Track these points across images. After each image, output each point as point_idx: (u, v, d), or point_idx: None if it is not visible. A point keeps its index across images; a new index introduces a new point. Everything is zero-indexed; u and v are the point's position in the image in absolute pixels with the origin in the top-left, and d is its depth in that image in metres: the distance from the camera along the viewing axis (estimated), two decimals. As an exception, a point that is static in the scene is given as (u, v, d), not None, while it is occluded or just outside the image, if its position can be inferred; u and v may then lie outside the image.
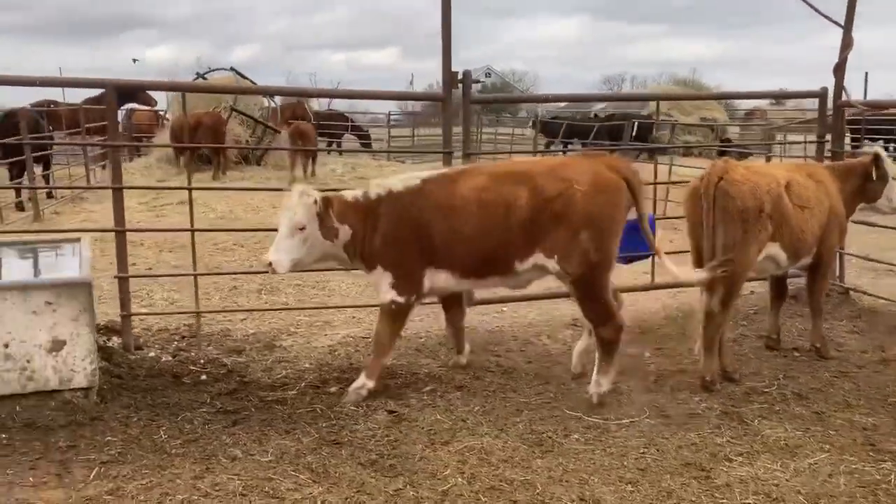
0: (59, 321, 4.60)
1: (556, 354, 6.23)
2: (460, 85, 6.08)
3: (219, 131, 17.71)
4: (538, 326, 6.95)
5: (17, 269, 5.46)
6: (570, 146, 26.24)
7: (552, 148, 26.43)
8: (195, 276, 6.31)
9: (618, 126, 25.24)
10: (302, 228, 5.01)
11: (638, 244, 6.69)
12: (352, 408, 5.04)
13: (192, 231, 6.34)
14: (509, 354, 6.20)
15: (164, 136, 21.20)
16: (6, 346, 4.52)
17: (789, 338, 6.52)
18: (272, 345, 6.31)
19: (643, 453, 4.42)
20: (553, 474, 4.14)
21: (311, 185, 5.91)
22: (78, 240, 6.22)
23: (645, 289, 7.39)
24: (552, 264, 5.07)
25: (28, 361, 4.57)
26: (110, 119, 5.70)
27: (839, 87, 7.08)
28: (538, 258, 5.10)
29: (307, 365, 5.91)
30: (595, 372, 5.17)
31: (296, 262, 5.10)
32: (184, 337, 6.61)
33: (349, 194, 5.30)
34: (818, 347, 6.11)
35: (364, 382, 5.21)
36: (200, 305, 7.53)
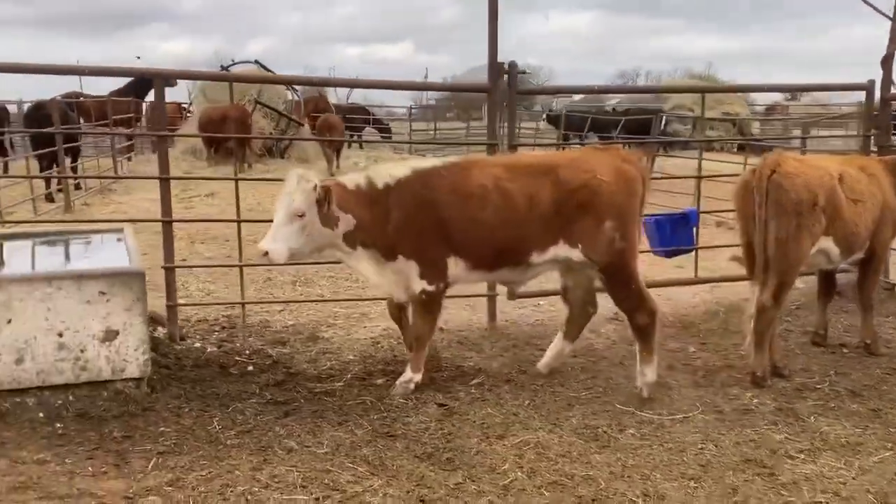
0: (113, 311, 4.59)
1: (600, 349, 6.17)
2: (506, 76, 6.02)
3: (245, 123, 17.70)
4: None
5: (67, 258, 5.46)
6: (586, 139, 26.06)
7: (572, 141, 26.30)
8: (240, 266, 6.28)
9: (643, 120, 25.10)
10: (301, 215, 4.76)
11: (683, 239, 6.67)
12: (401, 400, 5.01)
13: (239, 222, 6.30)
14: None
15: (188, 129, 21.24)
16: (60, 335, 4.52)
17: (835, 334, 6.43)
18: (315, 336, 6.29)
19: (701, 449, 4.37)
20: (613, 470, 4.09)
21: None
22: (121, 230, 6.24)
23: (689, 283, 7.31)
24: (577, 254, 5.07)
25: (82, 351, 4.57)
26: (159, 110, 5.69)
27: (888, 80, 6.96)
28: (561, 249, 5.08)
29: (351, 357, 5.89)
30: (639, 363, 5.18)
31: (293, 251, 4.83)
32: (224, 328, 6.61)
33: (349, 181, 5.06)
34: (868, 344, 6.02)
35: (411, 376, 5.18)
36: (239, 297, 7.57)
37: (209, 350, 5.84)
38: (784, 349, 6.10)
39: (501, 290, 6.61)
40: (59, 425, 4.44)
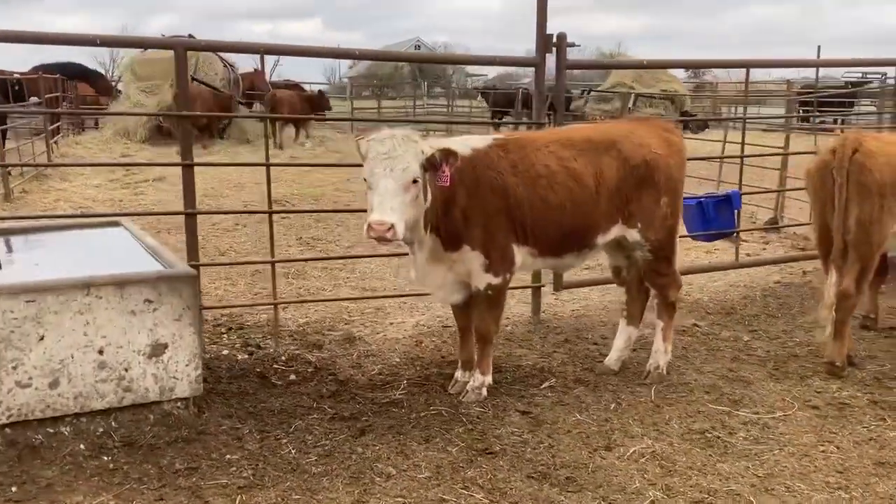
0: (161, 321, 3.94)
1: (649, 340, 5.81)
2: (554, 49, 5.54)
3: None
4: (618, 310, 6.51)
5: (78, 260, 4.72)
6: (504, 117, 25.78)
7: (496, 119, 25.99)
8: (272, 262, 5.62)
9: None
10: (417, 181, 4.07)
11: (725, 221, 6.37)
12: (478, 408, 4.53)
13: (270, 213, 5.64)
14: (606, 342, 5.75)
15: (116, 109, 19.92)
16: (101, 352, 3.84)
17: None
18: (352, 338, 5.71)
19: (824, 452, 4.06)
20: (752, 481, 3.73)
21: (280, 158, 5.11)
22: (118, 223, 5.52)
23: (732, 267, 7.06)
24: (633, 234, 4.83)
25: (126, 370, 3.90)
26: (181, 85, 4.96)
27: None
28: (619, 230, 4.81)
29: (397, 359, 5.36)
30: (660, 342, 5.08)
31: (408, 224, 4.08)
32: (237, 328, 5.97)
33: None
34: (924, 327, 5.87)
35: (483, 380, 4.70)
36: (225, 294, 6.96)
37: (241, 358, 5.21)
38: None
39: (545, 279, 6.19)
40: (106, 458, 3.77)
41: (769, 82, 35.96)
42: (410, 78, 57.08)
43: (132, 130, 18.79)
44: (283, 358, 5.23)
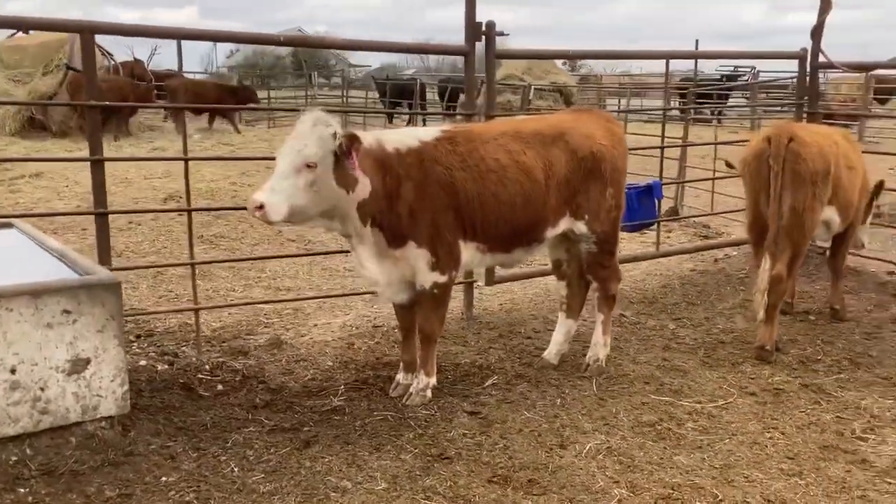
0: (81, 334, 3.54)
1: (584, 333, 5.78)
2: (484, 38, 5.40)
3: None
4: (546, 302, 6.48)
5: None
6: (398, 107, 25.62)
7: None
8: (192, 265, 5.21)
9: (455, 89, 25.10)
10: (312, 166, 3.89)
11: (647, 212, 6.43)
12: (424, 411, 4.35)
13: (190, 211, 5.22)
14: (540, 336, 5.69)
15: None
16: (13, 371, 3.41)
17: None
18: (278, 342, 5.38)
19: (771, 438, 4.12)
20: (712, 473, 3.72)
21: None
22: (10, 225, 5.01)
23: (654, 257, 7.14)
24: (580, 226, 4.79)
25: (42, 389, 3.49)
26: (89, 73, 4.50)
27: (816, 50, 7.08)
28: (567, 223, 4.77)
29: (329, 363, 5.09)
30: (600, 334, 5.04)
31: (295, 210, 3.90)
32: (146, 335, 5.54)
33: (369, 137, 4.17)
34: (837, 310, 6.10)
35: (427, 382, 4.52)
36: (127, 298, 6.49)
37: (161, 369, 4.80)
38: (754, 319, 6.08)
39: (478, 275, 6.05)
40: (23, 490, 3.35)
41: (648, 75, 37.33)
42: (293, 68, 56.01)
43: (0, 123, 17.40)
44: (208, 367, 4.86)
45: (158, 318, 5.93)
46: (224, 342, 5.50)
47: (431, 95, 28.59)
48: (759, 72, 27.19)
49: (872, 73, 14.24)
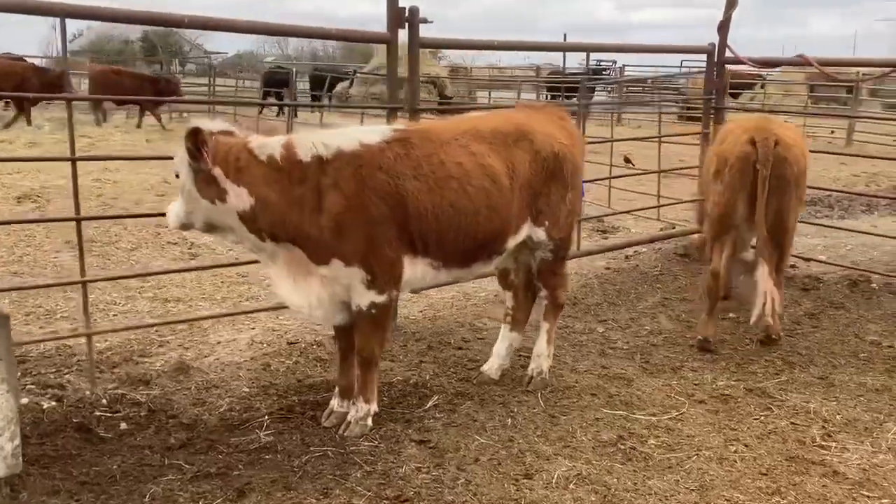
0: (-41, 383, 2.84)
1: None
2: (407, 24, 4.95)
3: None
4: (467, 307, 6.12)
5: None
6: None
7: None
8: (83, 283, 4.46)
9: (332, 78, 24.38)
10: (177, 175, 3.78)
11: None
12: (366, 443, 3.88)
13: (78, 220, 4.45)
14: (470, 346, 5.32)
15: None
16: None
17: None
18: (184, 367, 4.73)
19: (736, 452, 3.93)
20: (689, 497, 3.49)
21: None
22: None
23: (576, 256, 6.91)
24: (540, 233, 4.40)
25: None
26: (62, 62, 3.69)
27: (723, 45, 7.08)
28: (527, 229, 4.36)
29: (245, 389, 4.52)
30: (543, 345, 4.70)
31: (181, 220, 3.85)
32: (18, 363, 4.74)
33: (258, 144, 3.74)
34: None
35: (367, 409, 4.04)
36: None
37: (46, 407, 4.08)
38: (678, 318, 5.99)
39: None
40: None
41: (517, 68, 37.86)
42: (143, 54, 53.26)
43: None
44: (105, 401, 4.18)
45: (34, 347, 5.13)
46: (115, 367, 4.80)
47: (302, 85, 27.66)
48: (616, 65, 27.98)
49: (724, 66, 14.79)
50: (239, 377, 4.68)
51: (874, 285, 6.69)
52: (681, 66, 31.96)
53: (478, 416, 4.23)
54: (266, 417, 4.13)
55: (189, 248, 8.05)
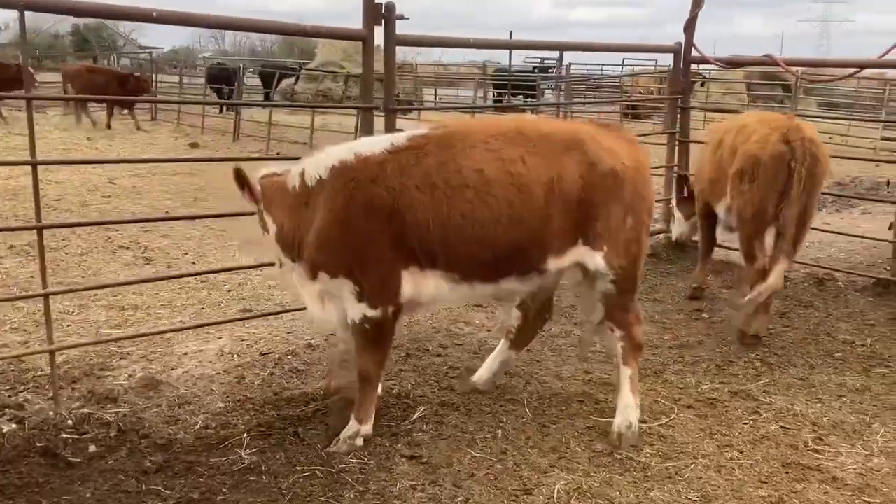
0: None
1: (492, 342, 5.35)
2: (383, 21, 4.77)
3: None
4: (443, 312, 5.94)
5: None
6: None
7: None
8: (46, 295, 4.15)
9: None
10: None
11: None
12: (356, 460, 3.70)
13: (40, 228, 4.15)
14: (448, 352, 5.18)
15: None
16: None
17: (668, 296, 6.50)
18: (153, 382, 4.47)
19: (732, 459, 3.88)
20: (697, 510, 3.40)
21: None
22: None
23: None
24: (598, 260, 3.84)
25: None
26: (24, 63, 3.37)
27: (689, 44, 7.07)
28: (580, 254, 3.86)
29: (220, 405, 4.29)
30: (628, 394, 4.05)
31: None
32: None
33: (280, 170, 3.91)
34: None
35: (357, 429, 3.85)
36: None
37: (6, 430, 3.78)
38: (650, 320, 5.95)
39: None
40: None
41: (461, 65, 37.84)
42: (74, 48, 51.67)
43: None
44: (70, 422, 3.91)
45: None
46: (76, 383, 4.52)
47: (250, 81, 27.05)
48: (570, 64, 28.18)
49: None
50: (212, 391, 4.44)
51: (840, 283, 6.77)
52: (622, 65, 32.58)
53: (467, 428, 4.09)
54: (245, 435, 3.92)
55: (143, 253, 7.71)
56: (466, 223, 3.62)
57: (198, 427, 4.01)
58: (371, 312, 3.70)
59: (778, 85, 28.50)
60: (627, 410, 4.03)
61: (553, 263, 3.85)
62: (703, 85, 28.31)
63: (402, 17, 4.81)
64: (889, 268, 6.84)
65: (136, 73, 19.69)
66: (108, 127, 18.19)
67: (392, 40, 4.83)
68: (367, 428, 3.87)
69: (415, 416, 4.18)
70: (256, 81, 26.76)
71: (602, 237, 3.82)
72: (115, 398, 4.23)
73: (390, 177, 3.59)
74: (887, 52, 6.27)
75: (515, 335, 4.52)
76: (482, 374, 4.56)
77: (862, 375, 4.98)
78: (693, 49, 7.07)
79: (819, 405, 4.52)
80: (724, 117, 7.15)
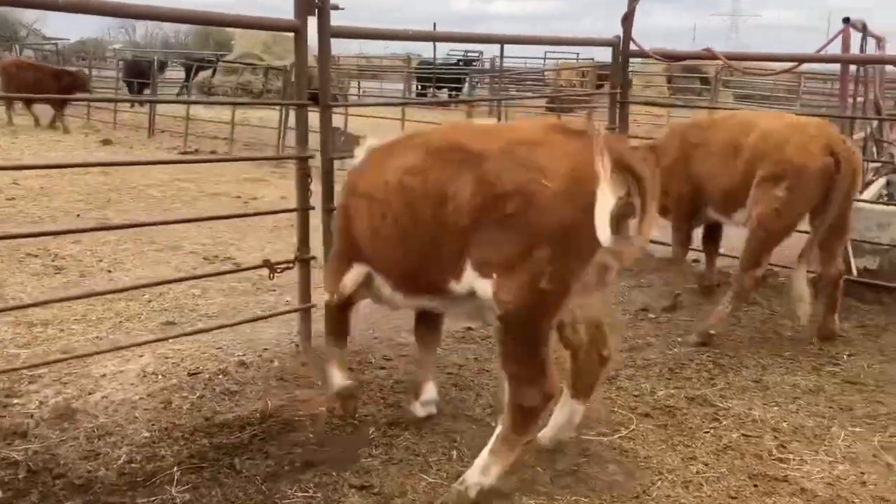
0: None
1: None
2: (317, 11, 4.42)
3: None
4: (383, 320, 5.62)
5: None
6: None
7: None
8: None
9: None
10: None
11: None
12: (299, 493, 3.38)
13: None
14: (392, 364, 4.89)
15: None
16: None
17: (625, 299, 6.34)
18: (68, 411, 4.02)
19: (697, 473, 3.70)
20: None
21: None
22: None
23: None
24: (485, 287, 3.19)
25: None
26: None
27: (627, 37, 6.93)
28: (472, 278, 3.26)
29: (145, 434, 3.88)
30: (485, 453, 3.35)
31: None
32: None
33: None
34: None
35: None
36: None
37: None
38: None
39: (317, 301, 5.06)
40: None
41: (384, 58, 37.39)
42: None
43: None
44: (-30, 463, 3.45)
45: None
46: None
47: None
48: (495, 57, 28.07)
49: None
50: (135, 419, 4.02)
51: (782, 279, 6.74)
52: (545, 58, 32.75)
53: (419, 450, 3.81)
54: (175, 469, 3.54)
55: (52, 261, 7.13)
56: (372, 233, 3.62)
57: (121, 462, 3.60)
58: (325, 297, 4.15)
59: (697, 78, 29.16)
60: (472, 470, 3.36)
61: (455, 285, 3.36)
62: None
63: (336, 8, 4.48)
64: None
65: (72, 70, 18.56)
66: (54, 127, 17.14)
67: (327, 31, 4.48)
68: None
69: (363, 441, 3.87)
70: (179, 74, 25.77)
71: (491, 265, 3.16)
72: (24, 432, 3.78)
73: (353, 180, 3.84)
74: (824, 48, 6.24)
75: (572, 380, 3.73)
76: (546, 431, 3.83)
77: (813, 375, 4.91)
78: (632, 42, 6.92)
79: (776, 408, 4.41)
80: (652, 112, 7.04)
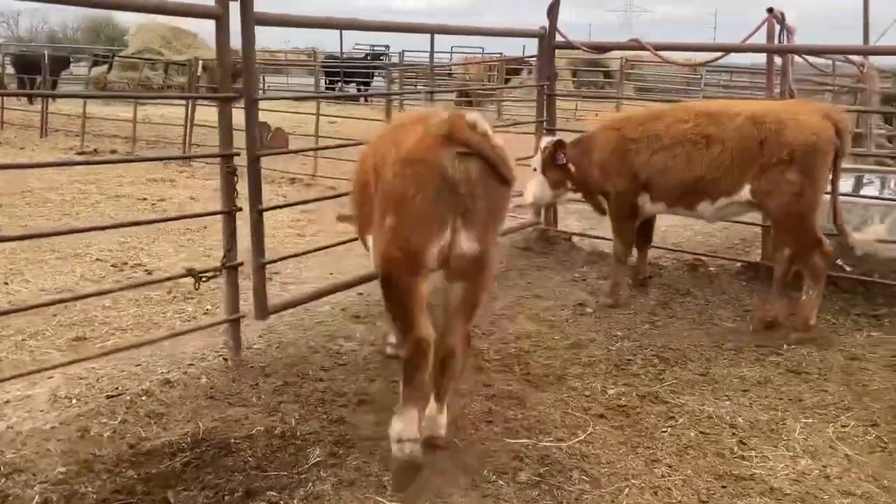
0: None
1: (379, 358, 4.81)
2: (239, -2, 4.05)
3: None
4: (315, 327, 5.32)
5: None
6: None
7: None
8: None
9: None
10: None
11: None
12: (244, 528, 3.05)
13: None
14: (332, 374, 4.58)
15: None
16: None
17: (549, 293, 6.22)
18: (-32, 446, 3.55)
19: (663, 477, 3.57)
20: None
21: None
22: None
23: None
24: None
25: None
26: None
27: (553, 29, 6.80)
28: None
29: (61, 470, 3.45)
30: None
31: None
32: None
33: None
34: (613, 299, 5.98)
35: None
36: None
37: None
38: (537, 318, 5.64)
39: (246, 310, 4.69)
40: None
41: (290, 52, 36.62)
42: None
43: None
44: None
45: None
46: None
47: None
48: (403, 52, 27.84)
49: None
50: (48, 452, 3.59)
51: (711, 269, 6.76)
52: (451, 51, 32.65)
53: (371, 469, 3.53)
54: (103, 506, 3.16)
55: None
56: None
57: (39, 500, 3.18)
58: None
59: (600, 71, 29.70)
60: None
61: None
62: (530, 73, 28.94)
63: (256, -7, 4.12)
64: (760, 251, 6.92)
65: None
66: None
67: (251, 18, 4.13)
68: None
69: (309, 462, 3.56)
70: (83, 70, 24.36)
71: None
72: (-84, 475, 3.31)
73: None
74: (748, 38, 6.27)
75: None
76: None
77: (758, 366, 4.87)
78: (557, 34, 6.79)
79: (728, 402, 4.34)
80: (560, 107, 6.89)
